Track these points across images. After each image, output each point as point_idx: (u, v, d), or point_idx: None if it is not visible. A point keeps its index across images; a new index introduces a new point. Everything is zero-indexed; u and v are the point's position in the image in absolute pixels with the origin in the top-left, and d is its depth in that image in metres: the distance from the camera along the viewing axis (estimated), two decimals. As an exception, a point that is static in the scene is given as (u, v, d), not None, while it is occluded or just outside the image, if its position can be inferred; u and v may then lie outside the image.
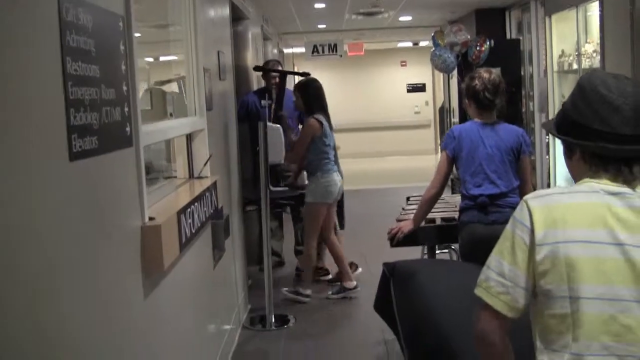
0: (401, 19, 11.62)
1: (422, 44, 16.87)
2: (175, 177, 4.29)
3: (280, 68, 6.85)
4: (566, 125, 1.89)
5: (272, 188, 5.39)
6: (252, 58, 7.55)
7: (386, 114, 18.29)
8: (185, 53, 4.21)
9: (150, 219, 2.77)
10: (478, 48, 8.83)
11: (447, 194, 5.25)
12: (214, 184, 4.15)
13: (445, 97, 12.47)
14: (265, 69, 6.83)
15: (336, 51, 12.71)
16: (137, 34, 2.73)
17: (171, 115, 4.03)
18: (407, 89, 18.49)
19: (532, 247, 1.80)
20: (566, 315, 1.77)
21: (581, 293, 1.75)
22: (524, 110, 8.93)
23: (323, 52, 12.75)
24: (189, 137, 4.27)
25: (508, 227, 1.86)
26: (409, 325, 3.15)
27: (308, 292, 5.92)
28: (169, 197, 3.49)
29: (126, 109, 2.55)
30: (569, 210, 1.80)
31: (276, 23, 11.06)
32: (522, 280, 1.81)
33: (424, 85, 18.44)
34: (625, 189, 1.82)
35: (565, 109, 1.92)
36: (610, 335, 1.74)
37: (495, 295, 1.83)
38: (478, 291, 1.87)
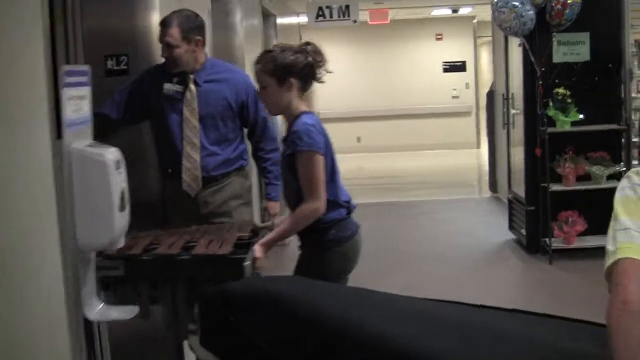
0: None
1: (463, 11, 14.24)
2: None
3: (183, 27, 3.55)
4: None
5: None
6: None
7: (416, 99, 15.69)
8: None
9: None
10: (562, 1, 6.55)
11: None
12: None
13: (497, 78, 9.32)
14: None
15: (349, 15, 9.97)
16: None
17: None
18: (444, 69, 15.93)
19: None
20: None
21: None
22: (623, 95, 7.01)
23: (331, 16, 10.11)
24: None
25: (630, 192, 1.94)
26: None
27: None
28: None
29: None
30: None
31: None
32: None
33: (463, 63, 15.81)
34: None
35: None
36: None
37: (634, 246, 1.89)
38: (617, 255, 1.86)
